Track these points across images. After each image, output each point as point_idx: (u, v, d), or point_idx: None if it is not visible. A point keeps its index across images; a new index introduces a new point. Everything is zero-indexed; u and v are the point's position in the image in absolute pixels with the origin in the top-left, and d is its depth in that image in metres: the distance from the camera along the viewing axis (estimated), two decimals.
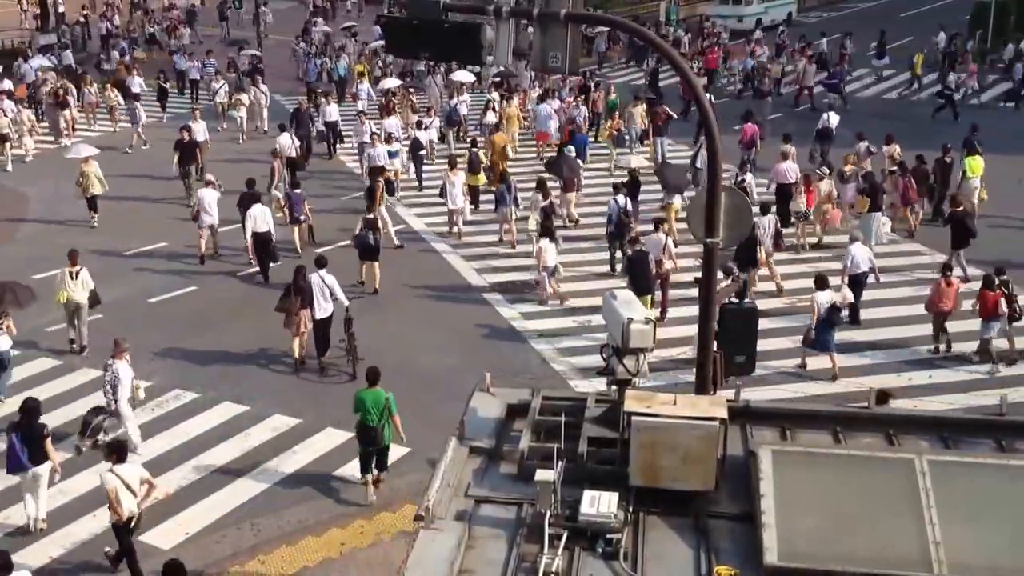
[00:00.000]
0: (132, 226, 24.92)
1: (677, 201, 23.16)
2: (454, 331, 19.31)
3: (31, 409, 13.42)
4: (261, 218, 21.57)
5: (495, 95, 33.39)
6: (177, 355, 18.35)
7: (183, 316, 20.11)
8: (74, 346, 18.51)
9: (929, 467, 6.46)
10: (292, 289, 17.69)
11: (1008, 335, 17.65)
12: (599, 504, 6.48)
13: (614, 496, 6.54)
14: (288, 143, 27.77)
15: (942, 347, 18.12)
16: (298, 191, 23.20)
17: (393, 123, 29.71)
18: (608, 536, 6.37)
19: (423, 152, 28.85)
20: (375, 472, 14.12)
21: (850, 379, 16.89)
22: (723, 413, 6.84)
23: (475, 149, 27.50)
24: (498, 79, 36.21)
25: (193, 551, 12.87)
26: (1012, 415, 7.73)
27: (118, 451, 12.30)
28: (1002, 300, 17.23)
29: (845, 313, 18.10)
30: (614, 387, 7.69)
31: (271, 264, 21.73)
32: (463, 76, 35.90)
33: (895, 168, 24.17)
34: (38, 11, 51.89)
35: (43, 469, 13.28)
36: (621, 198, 21.88)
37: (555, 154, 27.45)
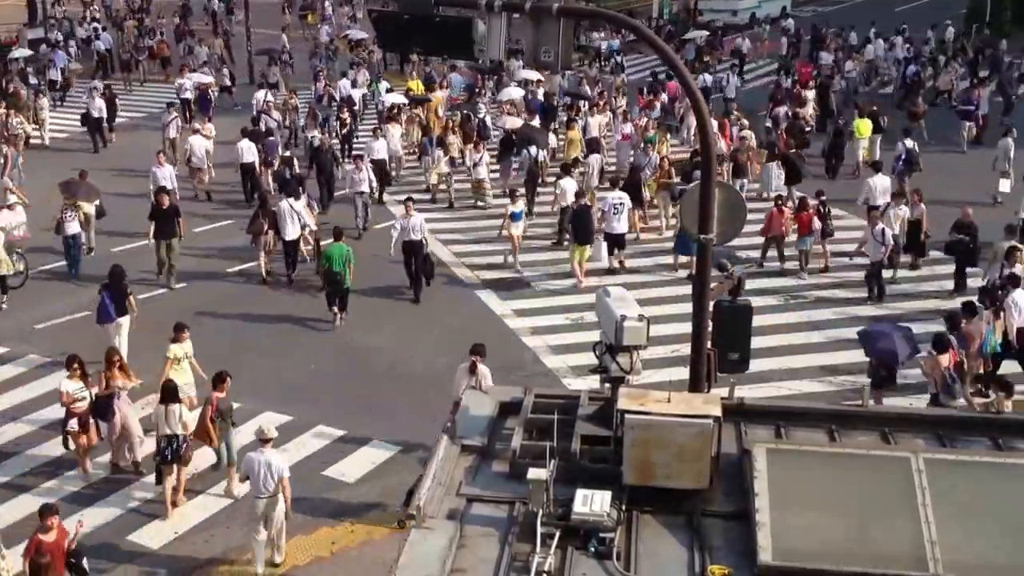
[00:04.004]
0: (119, 224, 24.60)
1: (540, 155, 26.73)
2: (446, 328, 19.20)
3: (118, 274, 17.22)
4: (248, 151, 25.56)
5: None
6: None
7: (171, 314, 19.89)
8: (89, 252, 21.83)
9: (925, 465, 6.41)
10: (259, 214, 20.82)
11: (822, 247, 21.13)
12: (592, 503, 6.41)
13: (607, 495, 6.48)
14: (269, 96, 31.17)
15: (763, 262, 21.27)
16: (272, 139, 27.05)
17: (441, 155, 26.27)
18: (601, 535, 6.31)
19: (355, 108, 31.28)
20: (337, 311, 18.81)
21: (844, 377, 16.86)
22: (717, 411, 6.78)
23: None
24: (567, 100, 32.77)
25: (182, 550, 12.84)
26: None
27: None
28: (815, 219, 20.76)
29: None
30: (607, 385, 7.63)
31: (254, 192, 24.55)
32: (513, 93, 32.28)
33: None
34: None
35: (125, 320, 17.00)
36: (533, 149, 25.79)
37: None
